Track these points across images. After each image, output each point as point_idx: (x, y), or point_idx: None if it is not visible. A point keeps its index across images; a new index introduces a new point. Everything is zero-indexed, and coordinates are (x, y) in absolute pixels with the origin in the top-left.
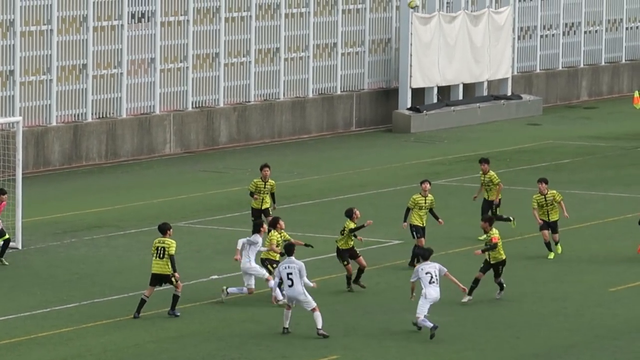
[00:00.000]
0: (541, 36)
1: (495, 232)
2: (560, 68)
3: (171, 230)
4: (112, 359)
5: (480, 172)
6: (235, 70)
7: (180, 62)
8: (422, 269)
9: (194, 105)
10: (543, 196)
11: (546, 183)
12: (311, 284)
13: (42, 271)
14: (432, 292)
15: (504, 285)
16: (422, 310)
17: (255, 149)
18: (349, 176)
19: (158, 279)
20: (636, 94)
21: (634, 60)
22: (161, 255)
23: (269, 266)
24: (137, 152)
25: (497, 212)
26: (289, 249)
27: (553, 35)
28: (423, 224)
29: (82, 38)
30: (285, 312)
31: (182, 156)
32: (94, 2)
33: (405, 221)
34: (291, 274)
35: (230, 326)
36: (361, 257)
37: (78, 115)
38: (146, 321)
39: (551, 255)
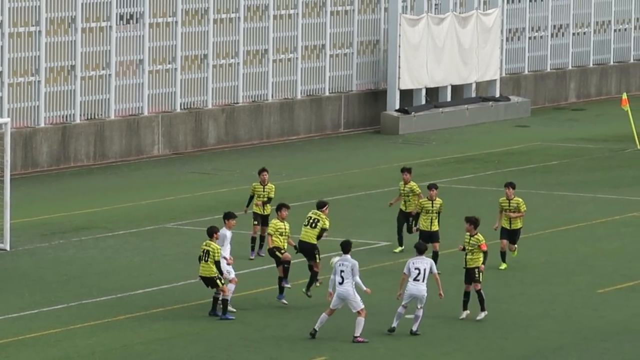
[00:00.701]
0: (529, 38)
1: (482, 239)
2: (549, 70)
3: (217, 233)
4: None
5: (402, 182)
6: (224, 72)
7: (169, 63)
8: (413, 263)
9: (182, 107)
10: (508, 201)
11: (513, 188)
12: (363, 287)
13: (31, 272)
14: (412, 287)
15: (484, 297)
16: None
17: (244, 150)
18: (337, 178)
19: (205, 282)
20: (624, 95)
21: (622, 62)
22: (206, 259)
23: (277, 253)
24: (125, 154)
25: (414, 225)
26: (345, 247)
27: (541, 37)
28: (430, 229)
29: (70, 39)
30: (322, 315)
31: (170, 157)
32: (82, 4)
33: (415, 226)
34: (343, 271)
35: (219, 328)
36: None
37: (66, 117)
38: (134, 322)
39: (503, 266)
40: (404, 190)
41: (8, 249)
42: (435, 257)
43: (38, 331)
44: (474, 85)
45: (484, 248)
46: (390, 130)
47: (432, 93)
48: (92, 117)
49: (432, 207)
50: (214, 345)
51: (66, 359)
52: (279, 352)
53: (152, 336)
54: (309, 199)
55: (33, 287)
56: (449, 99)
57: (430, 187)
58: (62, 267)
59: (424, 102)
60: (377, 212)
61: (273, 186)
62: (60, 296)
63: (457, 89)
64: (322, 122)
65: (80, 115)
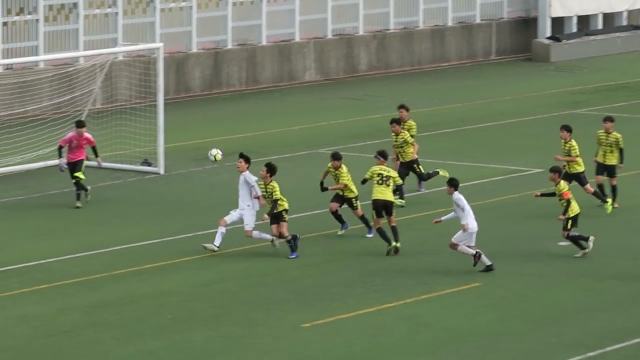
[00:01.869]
0: None
1: (565, 187)
2: None
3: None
4: (254, 283)
5: (392, 134)
6: None
7: None
8: None
9: (333, 33)
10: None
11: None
12: None
13: (185, 196)
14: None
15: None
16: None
17: (395, 77)
18: (489, 105)
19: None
20: None
21: None
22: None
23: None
24: (277, 79)
25: (421, 170)
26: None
27: None
28: (604, 162)
29: None
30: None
31: (322, 83)
32: None
33: (595, 157)
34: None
35: (372, 254)
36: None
37: (218, 42)
38: (287, 247)
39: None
40: (396, 141)
41: (162, 172)
42: (614, 190)
43: (192, 255)
44: (625, 14)
45: (567, 196)
46: (542, 58)
47: (583, 21)
48: (244, 43)
49: (607, 139)
50: (368, 270)
51: (220, 282)
52: (433, 277)
53: (306, 261)
54: (460, 125)
55: (187, 211)
56: (600, 27)
57: (606, 119)
58: (215, 191)
59: (575, 30)
60: (528, 138)
61: (414, 123)
62: (215, 220)
63: (608, 17)
64: (473, 49)
65: (232, 40)
